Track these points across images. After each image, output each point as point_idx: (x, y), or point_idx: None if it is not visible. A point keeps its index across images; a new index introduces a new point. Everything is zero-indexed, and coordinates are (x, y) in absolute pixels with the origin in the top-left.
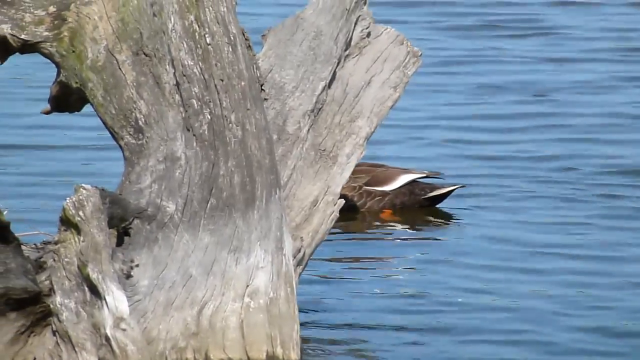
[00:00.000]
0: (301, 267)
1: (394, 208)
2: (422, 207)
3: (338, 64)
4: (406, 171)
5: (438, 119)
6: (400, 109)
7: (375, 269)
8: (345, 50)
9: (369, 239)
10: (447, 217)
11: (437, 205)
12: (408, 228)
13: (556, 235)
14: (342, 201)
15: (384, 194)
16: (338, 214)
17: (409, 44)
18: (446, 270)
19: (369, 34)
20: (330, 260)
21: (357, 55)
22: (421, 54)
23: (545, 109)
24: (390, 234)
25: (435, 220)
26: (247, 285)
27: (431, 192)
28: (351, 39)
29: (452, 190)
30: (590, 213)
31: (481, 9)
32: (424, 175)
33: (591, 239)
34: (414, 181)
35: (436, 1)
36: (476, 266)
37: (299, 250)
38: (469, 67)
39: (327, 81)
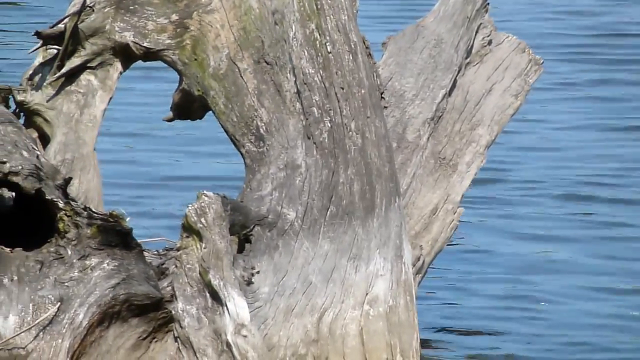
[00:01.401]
0: (420, 275)
1: None
2: None
3: (459, 71)
4: None
5: None
6: None
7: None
8: (466, 58)
9: None
10: None
11: None
12: None
13: None
14: (462, 209)
15: None
16: (458, 223)
17: (530, 51)
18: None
19: (490, 42)
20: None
21: (478, 63)
22: (542, 62)
23: None
24: None
25: None
26: (367, 293)
27: None
28: (472, 46)
29: None
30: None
31: None
32: None
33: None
34: None
35: None
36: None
37: (419, 259)
38: None
39: (448, 89)
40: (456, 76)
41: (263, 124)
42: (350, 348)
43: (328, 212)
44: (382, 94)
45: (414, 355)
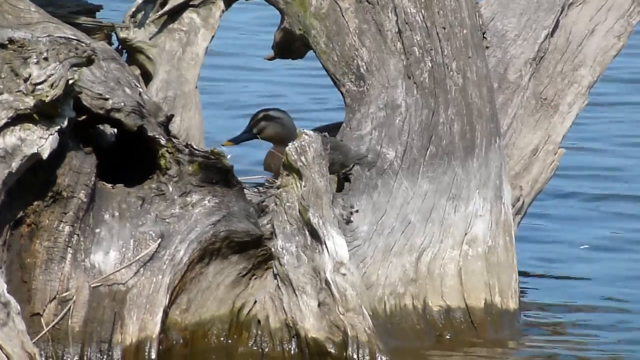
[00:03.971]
0: (520, 216)
1: None
2: None
3: (561, 12)
4: None
5: None
6: None
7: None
8: None
9: None
10: None
11: None
12: None
13: None
14: (563, 150)
15: None
16: (559, 164)
17: None
18: None
19: None
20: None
21: (580, 4)
22: None
23: None
24: None
25: None
26: (466, 233)
27: None
28: None
29: None
30: None
31: None
32: None
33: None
34: None
35: None
36: None
37: (518, 199)
38: None
39: (550, 29)
40: (559, 16)
41: (364, 64)
42: (449, 288)
43: (427, 152)
44: (484, 34)
45: (512, 295)
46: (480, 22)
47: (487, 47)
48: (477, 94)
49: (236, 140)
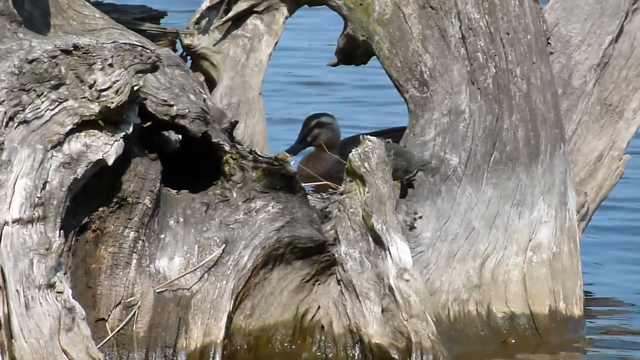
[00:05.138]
0: (585, 222)
1: None
2: None
3: (625, 17)
4: None
5: None
6: None
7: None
8: (634, 4)
9: None
10: None
11: None
12: None
13: None
14: (628, 156)
15: None
16: (623, 170)
17: None
18: None
19: None
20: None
21: None
22: None
23: None
24: None
25: None
26: (530, 240)
27: None
28: None
29: None
30: None
31: None
32: None
33: None
34: None
35: None
36: None
37: (583, 206)
38: None
39: (615, 35)
40: (623, 22)
41: (427, 69)
42: (513, 294)
43: (492, 158)
44: (548, 39)
45: (577, 302)
46: (545, 28)
47: (551, 53)
48: (541, 99)
49: (294, 151)
